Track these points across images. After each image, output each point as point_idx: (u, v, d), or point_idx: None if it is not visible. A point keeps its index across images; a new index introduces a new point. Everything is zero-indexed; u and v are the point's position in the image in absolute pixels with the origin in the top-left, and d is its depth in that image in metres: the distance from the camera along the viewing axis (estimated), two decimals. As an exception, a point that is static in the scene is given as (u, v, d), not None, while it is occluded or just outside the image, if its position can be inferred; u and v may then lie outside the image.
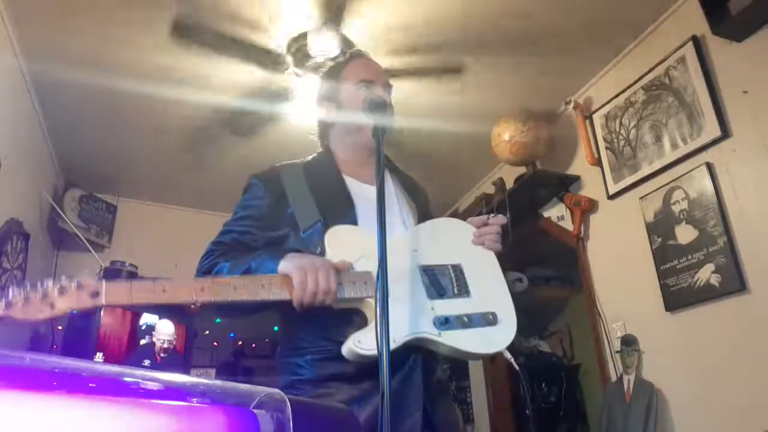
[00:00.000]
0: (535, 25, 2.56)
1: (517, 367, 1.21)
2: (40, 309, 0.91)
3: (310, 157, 1.43)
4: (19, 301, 0.90)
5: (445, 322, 1.14)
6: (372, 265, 1.11)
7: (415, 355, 1.15)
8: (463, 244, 1.31)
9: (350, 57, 1.48)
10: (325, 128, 1.45)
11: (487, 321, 1.17)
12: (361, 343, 1.07)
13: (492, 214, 1.34)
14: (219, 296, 1.02)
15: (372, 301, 1.11)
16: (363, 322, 1.14)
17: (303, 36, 2.53)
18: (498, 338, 1.18)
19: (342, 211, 1.25)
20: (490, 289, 1.25)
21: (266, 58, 2.65)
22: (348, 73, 1.40)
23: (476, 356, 1.19)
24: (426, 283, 1.19)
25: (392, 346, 1.03)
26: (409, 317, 1.12)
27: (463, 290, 1.21)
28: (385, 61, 2.60)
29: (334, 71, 1.45)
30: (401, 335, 1.09)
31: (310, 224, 1.23)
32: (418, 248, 1.23)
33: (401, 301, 1.13)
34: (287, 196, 1.28)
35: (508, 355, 1.19)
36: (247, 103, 2.94)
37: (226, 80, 2.81)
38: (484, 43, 2.66)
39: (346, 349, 1.08)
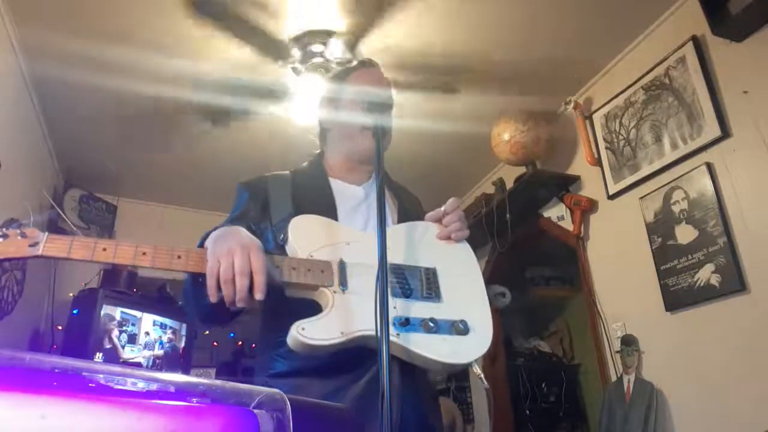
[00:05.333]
0: (536, 24, 2.57)
1: (486, 385, 1.13)
2: None
3: (302, 165, 1.43)
4: None
5: (405, 323, 1.05)
6: (333, 256, 1.10)
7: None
8: (440, 248, 1.25)
9: (358, 65, 1.49)
10: (324, 131, 1.46)
11: (457, 329, 1.09)
12: (305, 330, 0.98)
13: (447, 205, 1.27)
14: (160, 264, 0.98)
15: (326, 290, 1.06)
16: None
17: (316, 33, 2.52)
18: (467, 349, 1.08)
19: (321, 207, 1.23)
20: (465, 297, 1.17)
21: (272, 46, 2.62)
22: (353, 78, 1.42)
23: (439, 365, 1.07)
24: (392, 281, 1.11)
25: (338, 339, 1.00)
26: (366, 313, 1.02)
27: (434, 294, 1.14)
28: (390, 73, 2.61)
29: (341, 75, 1.46)
30: (351, 329, 1.02)
31: (282, 217, 1.20)
32: (392, 247, 1.13)
33: (359, 294, 1.06)
34: (270, 202, 1.27)
35: (477, 370, 1.08)
36: (239, 96, 2.93)
37: (226, 75, 2.82)
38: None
39: (290, 338, 0.98)
